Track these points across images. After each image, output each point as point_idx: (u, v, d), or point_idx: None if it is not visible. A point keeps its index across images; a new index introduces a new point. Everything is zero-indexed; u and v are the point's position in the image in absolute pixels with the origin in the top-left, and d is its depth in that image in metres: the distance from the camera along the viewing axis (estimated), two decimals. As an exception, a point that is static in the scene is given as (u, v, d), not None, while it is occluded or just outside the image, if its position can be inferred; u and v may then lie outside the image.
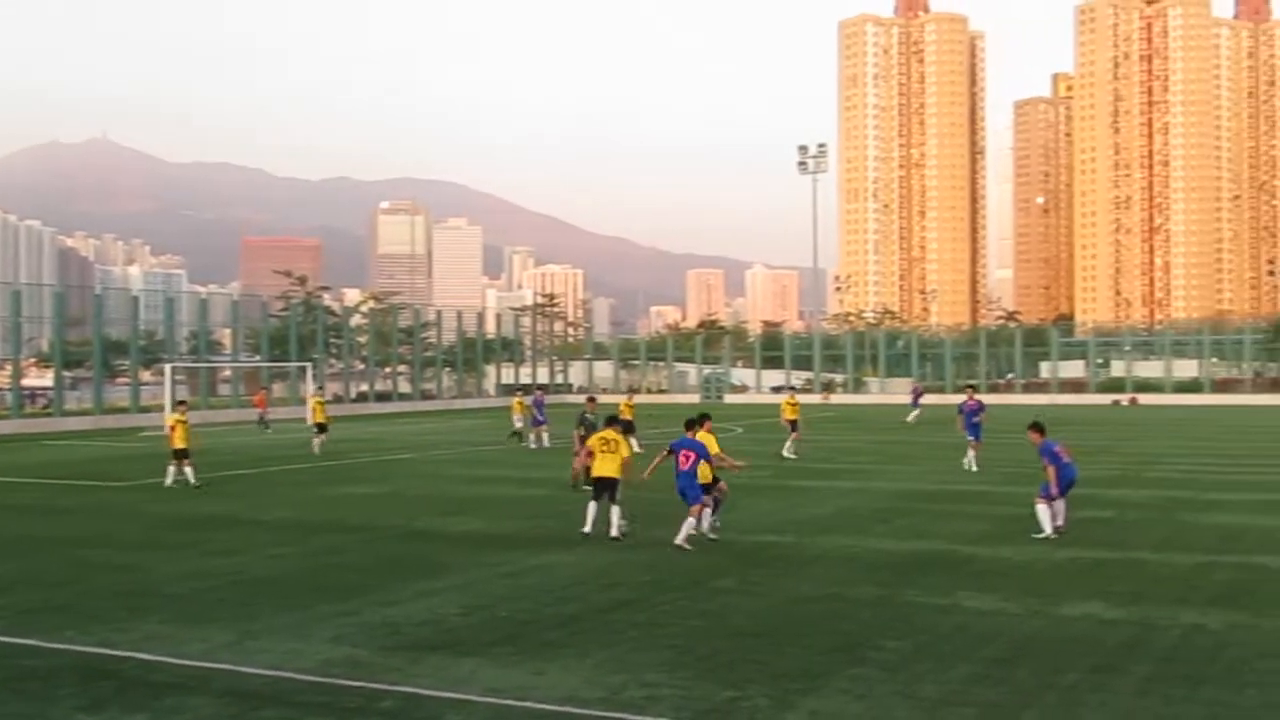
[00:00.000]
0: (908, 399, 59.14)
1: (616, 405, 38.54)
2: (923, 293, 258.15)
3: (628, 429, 37.69)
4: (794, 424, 36.33)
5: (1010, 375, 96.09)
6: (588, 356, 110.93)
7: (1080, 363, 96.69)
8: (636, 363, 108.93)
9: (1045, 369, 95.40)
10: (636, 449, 36.38)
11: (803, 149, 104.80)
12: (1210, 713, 8.82)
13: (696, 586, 14.02)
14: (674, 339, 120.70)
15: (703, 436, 17.87)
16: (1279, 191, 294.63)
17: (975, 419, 30.37)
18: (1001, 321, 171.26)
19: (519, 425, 41.38)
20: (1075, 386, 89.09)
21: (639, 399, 57.20)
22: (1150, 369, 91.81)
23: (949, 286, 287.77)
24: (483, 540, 18.19)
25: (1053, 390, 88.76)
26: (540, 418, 39.43)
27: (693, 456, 17.09)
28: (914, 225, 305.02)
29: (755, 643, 11.10)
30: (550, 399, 51.07)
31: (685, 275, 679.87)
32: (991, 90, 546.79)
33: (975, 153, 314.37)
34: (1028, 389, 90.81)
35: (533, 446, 38.63)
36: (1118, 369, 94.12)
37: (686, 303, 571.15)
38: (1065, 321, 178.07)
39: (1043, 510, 17.78)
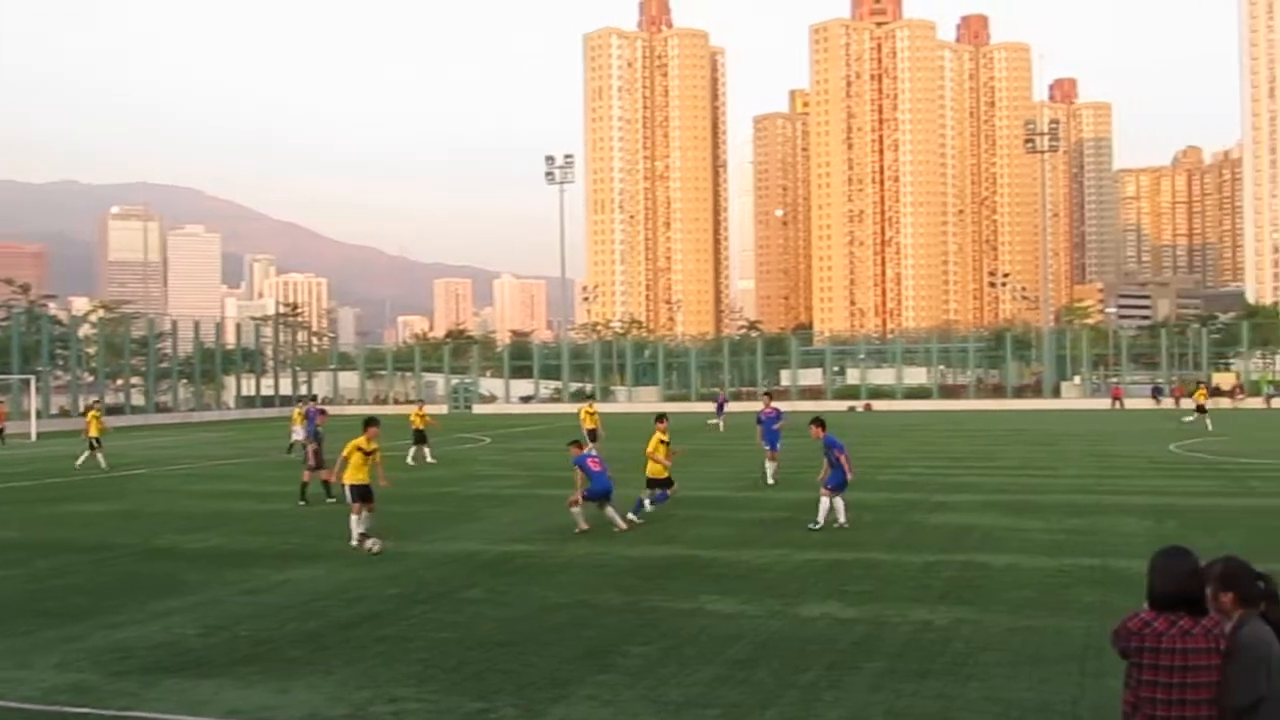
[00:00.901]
0: (712, 407, 61.23)
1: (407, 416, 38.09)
2: (668, 303, 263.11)
3: (420, 439, 37.19)
4: (593, 433, 36.05)
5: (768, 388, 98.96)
6: (332, 367, 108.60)
7: (818, 370, 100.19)
8: (383, 373, 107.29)
9: (785, 377, 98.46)
10: (430, 460, 35.82)
11: (550, 159, 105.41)
12: (937, 705, 9.28)
13: (444, 598, 13.93)
14: (421, 349, 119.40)
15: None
16: (999, 207, 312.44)
17: (775, 427, 29.24)
18: (744, 331, 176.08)
19: (297, 437, 39.74)
20: (813, 393, 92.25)
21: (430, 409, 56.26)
22: (883, 376, 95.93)
23: (694, 297, 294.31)
24: (223, 557, 17.60)
25: (792, 397, 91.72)
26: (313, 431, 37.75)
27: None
28: (659, 236, 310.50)
29: (503, 652, 11.11)
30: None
31: (433, 284, 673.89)
32: (733, 105, 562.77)
33: (718, 166, 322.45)
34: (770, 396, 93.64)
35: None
36: (853, 376, 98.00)
37: (434, 312, 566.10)
38: (804, 331, 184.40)
39: (825, 502, 19.17)
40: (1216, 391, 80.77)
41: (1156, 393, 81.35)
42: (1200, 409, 51.86)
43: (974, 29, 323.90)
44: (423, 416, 37.84)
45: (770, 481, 27.67)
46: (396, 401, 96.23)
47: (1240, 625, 4.97)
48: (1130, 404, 78.69)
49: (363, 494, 18.25)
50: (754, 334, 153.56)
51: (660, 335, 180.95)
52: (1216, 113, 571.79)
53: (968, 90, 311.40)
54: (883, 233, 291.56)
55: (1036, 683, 9.89)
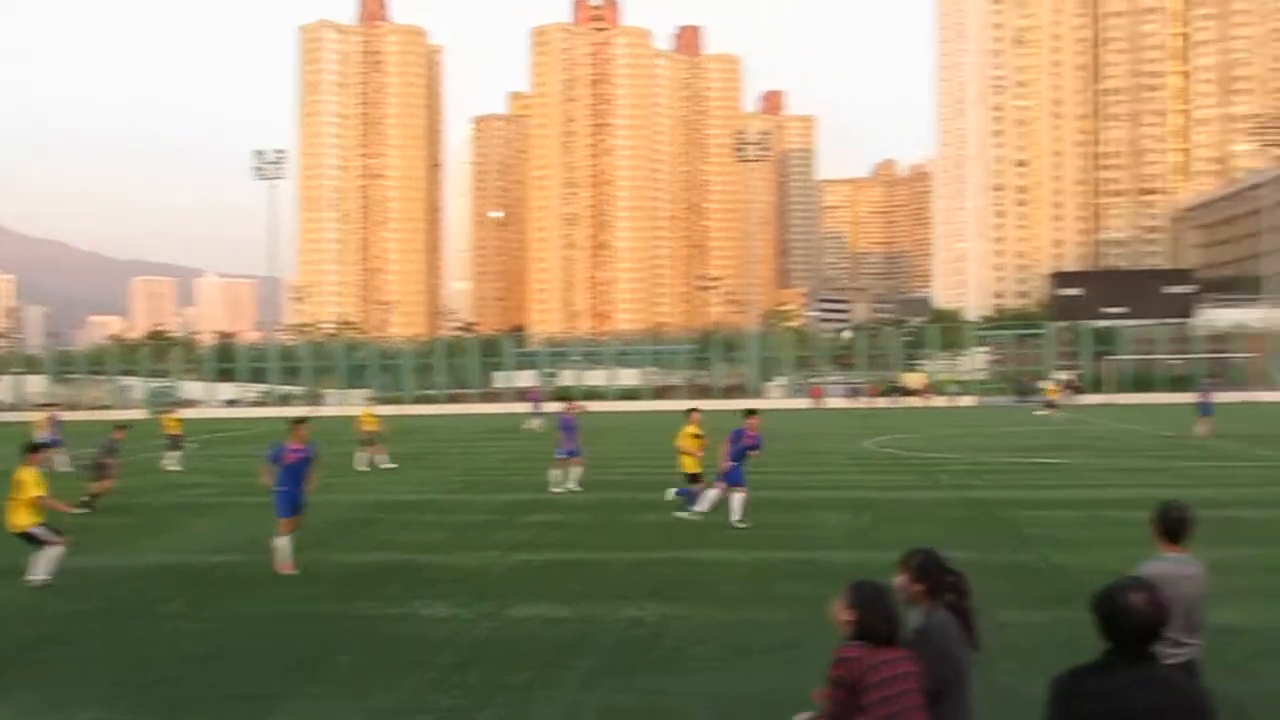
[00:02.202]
0: (527, 407, 60.24)
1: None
2: (383, 303, 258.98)
3: (174, 444, 35.13)
4: (373, 436, 34.63)
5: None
6: (18, 370, 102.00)
7: (533, 372, 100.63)
8: (75, 376, 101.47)
9: (500, 379, 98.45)
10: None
11: (259, 154, 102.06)
12: (648, 700, 9.43)
13: (140, 613, 13.25)
14: (118, 350, 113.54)
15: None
16: (710, 213, 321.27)
17: (567, 433, 26.92)
18: (459, 333, 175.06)
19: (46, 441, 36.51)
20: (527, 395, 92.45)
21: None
22: (597, 377, 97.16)
23: (409, 298, 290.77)
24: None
25: (507, 399, 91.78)
26: (56, 437, 34.88)
27: None
28: (374, 236, 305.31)
29: (204, 667, 10.65)
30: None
31: (130, 282, 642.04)
32: (452, 105, 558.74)
33: (435, 165, 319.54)
34: (484, 398, 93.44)
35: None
36: (568, 378, 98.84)
37: (132, 312, 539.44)
38: (519, 333, 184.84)
39: (737, 498, 19.68)
40: (906, 391, 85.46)
41: (854, 393, 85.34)
42: (1051, 405, 56.93)
43: (688, 39, 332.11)
44: (176, 421, 36.22)
45: (570, 488, 25.60)
46: (90, 408, 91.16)
47: (928, 615, 5.23)
48: (830, 403, 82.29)
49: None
50: (469, 335, 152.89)
51: (374, 336, 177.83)
52: (912, 129, 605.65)
53: (681, 99, 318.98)
54: (598, 236, 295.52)
55: (743, 674, 10.17)
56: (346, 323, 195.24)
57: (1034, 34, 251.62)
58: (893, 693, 4.82)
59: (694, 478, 21.13)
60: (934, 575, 5.28)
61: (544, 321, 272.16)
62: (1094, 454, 35.49)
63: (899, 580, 5.34)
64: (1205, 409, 41.59)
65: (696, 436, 21.46)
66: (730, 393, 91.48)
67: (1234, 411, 58.67)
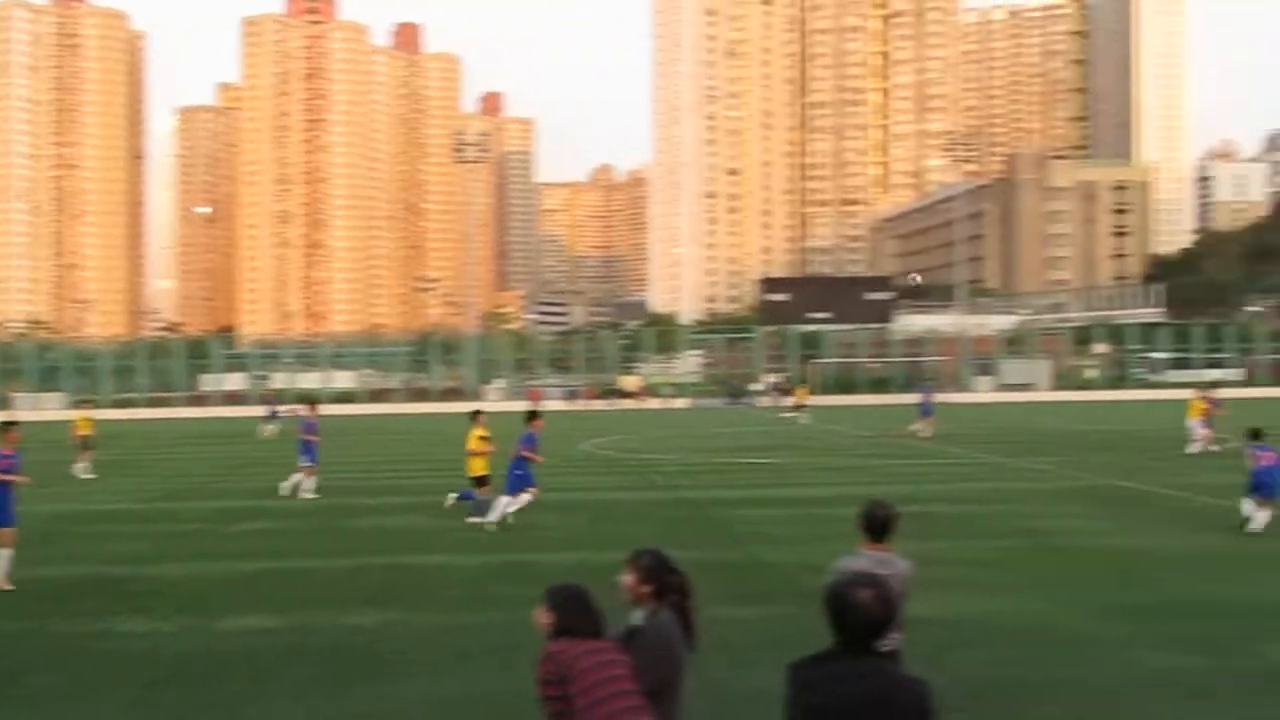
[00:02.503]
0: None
1: None
2: (79, 302, 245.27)
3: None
4: (86, 440, 32.33)
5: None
6: None
7: (243, 375, 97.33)
8: None
9: (208, 381, 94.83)
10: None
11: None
12: (363, 707, 9.26)
13: None
14: None
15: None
16: (427, 213, 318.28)
17: (309, 437, 25.57)
18: (163, 333, 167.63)
19: None
20: (237, 399, 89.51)
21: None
22: (310, 380, 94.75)
23: (108, 296, 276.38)
24: None
25: (215, 403, 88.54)
26: None
27: None
28: (69, 230, 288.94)
29: (-127, 694, 9.84)
30: None
31: None
32: (156, 94, 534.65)
33: (137, 157, 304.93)
34: (191, 402, 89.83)
35: None
36: (280, 380, 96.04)
37: None
38: (228, 333, 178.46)
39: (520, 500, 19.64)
40: (622, 394, 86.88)
41: (572, 395, 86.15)
42: (799, 407, 57.97)
43: (407, 37, 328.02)
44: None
45: (305, 495, 24.75)
46: None
47: (652, 615, 5.32)
48: (548, 405, 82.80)
49: None
50: (174, 336, 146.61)
51: (68, 336, 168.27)
52: (630, 135, 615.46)
53: (399, 97, 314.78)
54: (311, 235, 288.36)
55: (463, 678, 10.12)
56: (37, 322, 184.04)
57: (745, 47, 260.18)
58: (601, 678, 4.86)
59: (481, 480, 21.05)
60: (662, 576, 5.38)
61: (254, 322, 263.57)
62: (801, 453, 36.93)
63: (626, 579, 5.41)
64: (926, 409, 43.15)
65: (484, 438, 21.39)
66: (448, 396, 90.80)
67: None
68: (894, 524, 6.92)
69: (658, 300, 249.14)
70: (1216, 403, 36.25)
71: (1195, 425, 34.34)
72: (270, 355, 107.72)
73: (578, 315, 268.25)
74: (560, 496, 23.79)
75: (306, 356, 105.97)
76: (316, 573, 15.63)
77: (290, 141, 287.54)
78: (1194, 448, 33.87)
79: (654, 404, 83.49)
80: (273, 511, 22.78)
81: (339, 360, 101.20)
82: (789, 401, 67.00)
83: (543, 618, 5.09)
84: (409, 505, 23.40)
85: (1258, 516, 17.97)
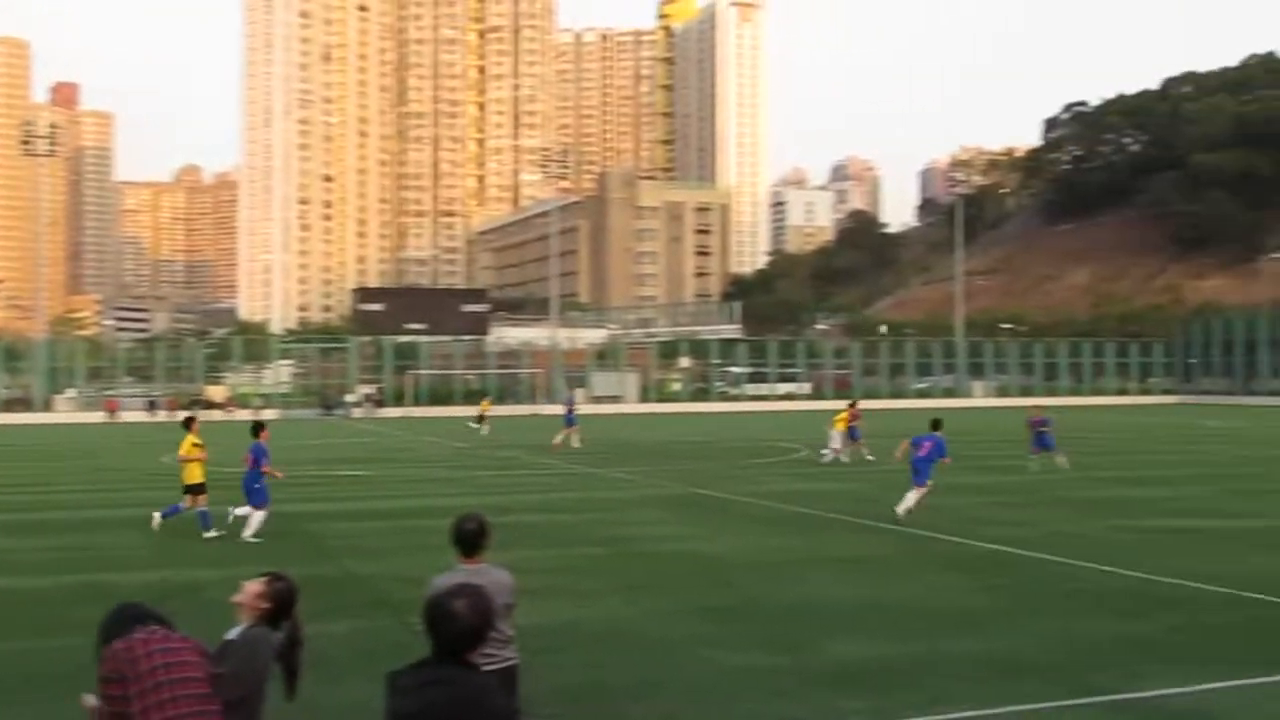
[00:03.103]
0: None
1: None
2: None
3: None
4: None
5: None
6: None
7: None
8: None
9: None
10: None
11: None
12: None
13: None
14: None
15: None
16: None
17: None
18: None
19: None
20: None
21: None
22: None
23: None
24: None
25: None
26: None
27: None
28: None
29: None
30: None
31: None
32: None
33: None
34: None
35: None
36: None
37: None
38: None
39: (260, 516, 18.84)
40: (208, 405, 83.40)
41: (152, 406, 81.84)
42: (481, 418, 55.09)
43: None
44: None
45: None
46: None
47: (248, 628, 5.14)
48: (127, 417, 78.31)
49: None
50: None
51: None
52: (219, 135, 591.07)
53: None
54: None
55: (25, 706, 9.43)
56: None
57: (341, 51, 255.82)
58: (167, 679, 4.66)
59: (197, 488, 19.90)
60: (288, 607, 5.26)
61: None
62: (395, 465, 36.64)
63: (253, 588, 5.22)
64: (569, 419, 43.44)
65: (198, 445, 20.33)
66: (13, 406, 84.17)
67: (520, 424, 63.26)
68: (485, 537, 6.92)
69: (247, 308, 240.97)
70: (858, 415, 36.88)
71: (835, 435, 35.12)
72: None
73: (160, 322, 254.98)
74: (140, 512, 22.55)
75: None
76: None
77: None
78: (826, 456, 34.82)
79: (243, 415, 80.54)
80: None
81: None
82: (397, 413, 66.17)
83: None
84: (-36, 525, 21.49)
85: (908, 498, 20.84)
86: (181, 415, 31.77)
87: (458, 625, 4.17)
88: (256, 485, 19.47)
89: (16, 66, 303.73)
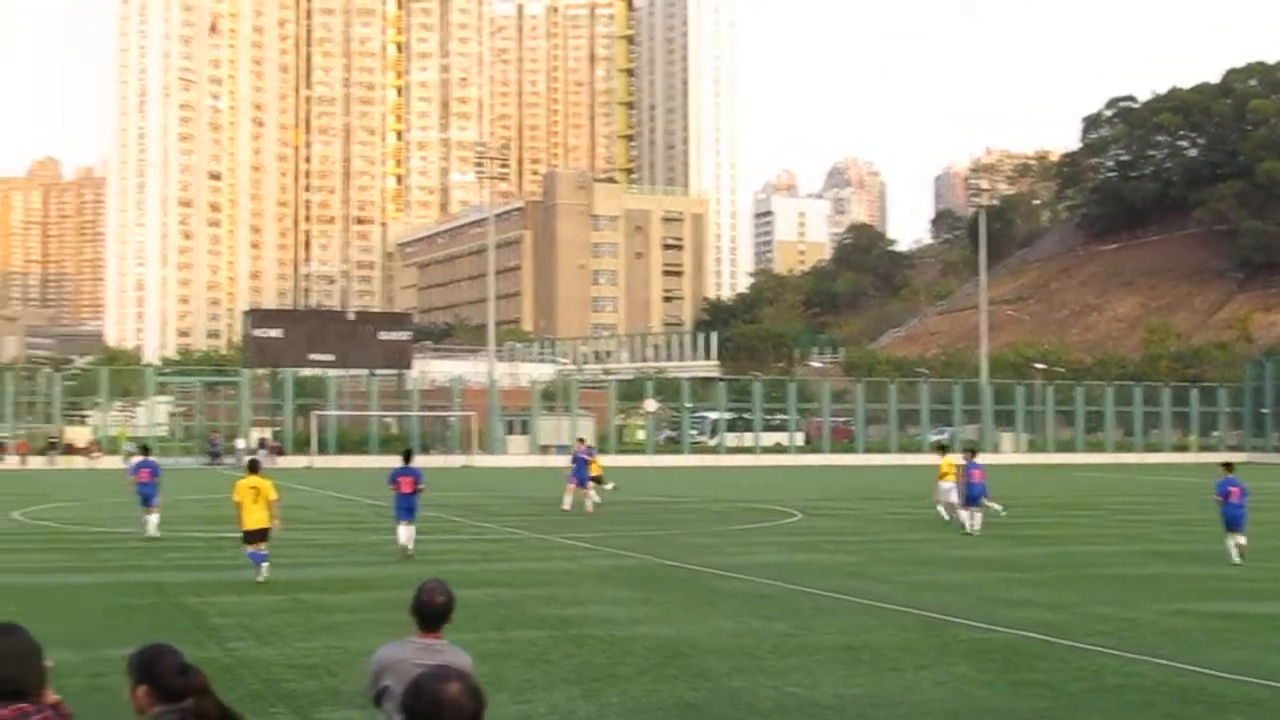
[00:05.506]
0: None
1: None
2: None
3: None
4: None
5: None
6: None
7: None
8: None
9: None
10: None
11: None
12: None
13: None
14: None
15: None
16: None
17: None
18: None
19: None
20: None
21: None
22: None
23: None
24: None
25: None
26: None
27: None
28: None
29: None
30: None
31: None
32: None
33: None
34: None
35: None
36: None
37: None
38: None
39: None
40: (68, 449, 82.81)
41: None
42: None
43: None
44: None
45: None
46: None
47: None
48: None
49: None
50: None
51: None
52: (81, 122, 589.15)
53: None
54: None
55: None
56: None
57: (232, 22, 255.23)
58: None
59: (257, 535, 22.86)
60: (162, 674, 5.19)
61: None
62: (297, 527, 36.41)
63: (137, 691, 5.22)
64: (579, 475, 40.88)
65: (254, 488, 22.96)
66: None
67: (450, 477, 63.04)
68: (442, 610, 7.11)
69: (117, 332, 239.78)
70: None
71: (945, 488, 35.05)
72: None
73: (10, 347, 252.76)
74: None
75: None
76: None
77: None
78: (943, 513, 34.93)
79: (109, 462, 79.95)
80: None
81: None
82: (300, 462, 65.40)
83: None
84: None
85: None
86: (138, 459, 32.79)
87: (454, 712, 4.32)
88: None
89: None
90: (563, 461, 49.27)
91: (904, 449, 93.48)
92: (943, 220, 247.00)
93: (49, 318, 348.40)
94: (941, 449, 40.18)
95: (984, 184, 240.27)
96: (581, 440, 47.82)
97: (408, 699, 4.44)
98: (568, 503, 40.39)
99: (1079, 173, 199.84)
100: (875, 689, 14.16)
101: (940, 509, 35.34)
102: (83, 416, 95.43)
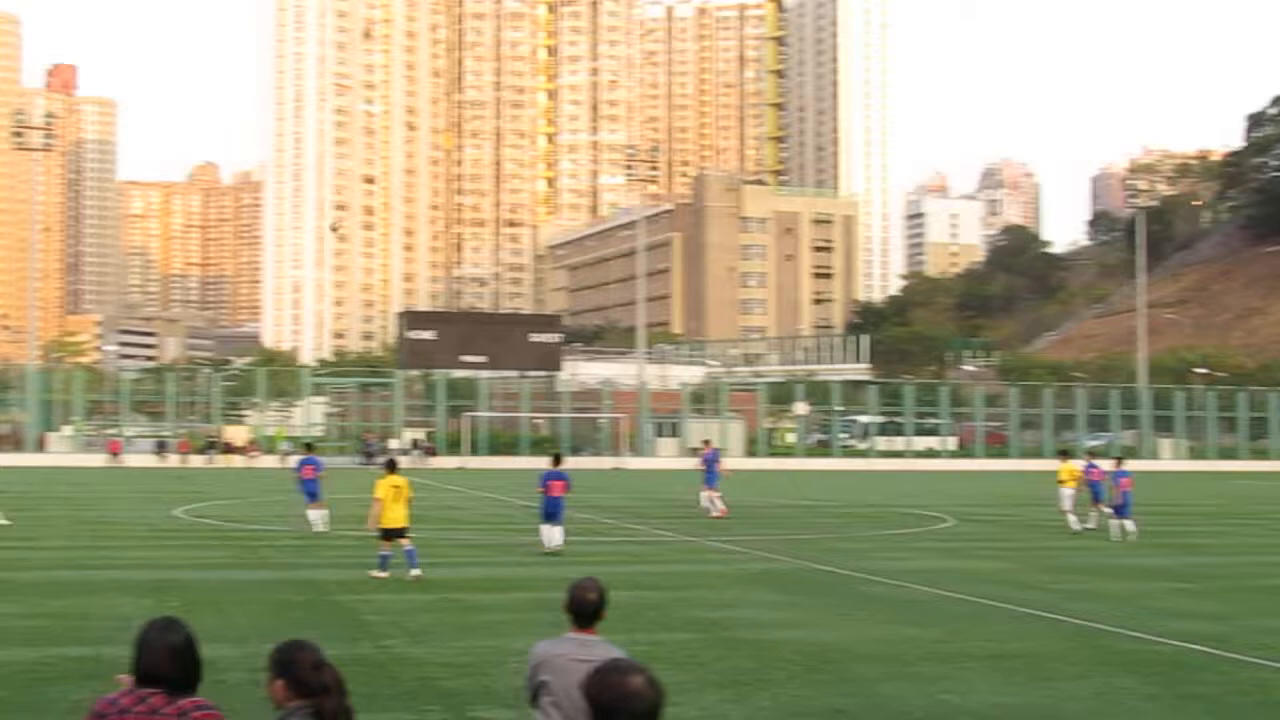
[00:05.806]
0: None
1: None
2: None
3: None
4: None
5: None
6: None
7: None
8: None
9: None
10: None
11: None
12: None
13: None
14: None
15: None
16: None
17: None
18: None
19: None
20: None
21: None
22: None
23: None
24: None
25: None
26: None
27: None
28: None
29: None
30: None
31: None
32: None
33: None
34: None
35: None
36: None
37: None
38: None
39: None
40: (227, 448, 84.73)
41: (161, 448, 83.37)
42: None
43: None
44: None
45: None
46: None
47: (286, 717, 5.23)
48: (131, 460, 79.81)
49: None
50: None
51: None
52: (239, 127, 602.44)
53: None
54: None
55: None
56: None
57: (385, 28, 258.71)
58: None
59: (395, 533, 23.86)
60: (299, 670, 5.34)
61: None
62: (449, 527, 36.84)
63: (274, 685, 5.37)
64: (710, 478, 40.71)
65: (397, 486, 24.42)
66: (2, 445, 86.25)
67: (600, 479, 63.24)
68: (605, 607, 7.13)
69: (273, 333, 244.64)
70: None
71: (1065, 494, 35.12)
72: None
73: (171, 348, 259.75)
74: (144, 576, 22.94)
75: None
76: None
77: None
78: (1073, 523, 34.67)
79: (267, 461, 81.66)
80: None
81: None
82: (451, 462, 66.18)
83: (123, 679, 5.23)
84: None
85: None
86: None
87: (639, 704, 4.51)
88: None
89: (6, 45, 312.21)
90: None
91: (1060, 455, 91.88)
92: (1099, 222, 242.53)
93: (208, 320, 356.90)
94: (1063, 454, 39.32)
95: (1142, 184, 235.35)
96: (708, 442, 47.43)
97: (592, 690, 4.58)
98: (717, 507, 39.79)
99: (1242, 172, 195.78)
100: (1031, 699, 13.95)
101: (1071, 519, 34.68)
102: (241, 416, 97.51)
